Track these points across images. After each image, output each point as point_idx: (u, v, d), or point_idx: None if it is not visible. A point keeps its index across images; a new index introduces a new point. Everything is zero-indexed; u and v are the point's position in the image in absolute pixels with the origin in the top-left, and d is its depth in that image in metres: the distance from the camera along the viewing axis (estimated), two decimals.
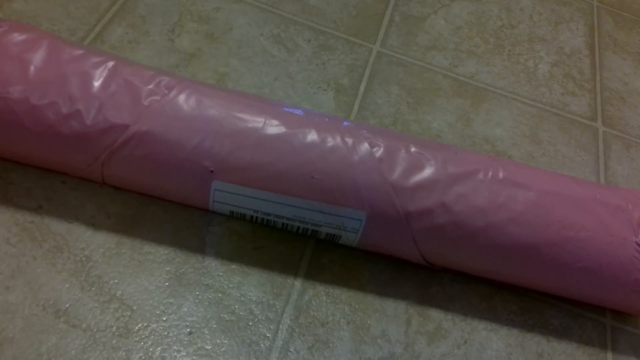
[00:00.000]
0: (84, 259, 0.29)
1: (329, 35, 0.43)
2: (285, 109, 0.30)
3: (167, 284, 0.29)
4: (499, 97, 0.44)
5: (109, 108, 0.27)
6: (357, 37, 0.44)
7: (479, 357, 0.31)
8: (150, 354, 0.27)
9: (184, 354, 0.27)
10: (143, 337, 0.27)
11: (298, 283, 0.31)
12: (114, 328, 0.27)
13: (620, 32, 0.53)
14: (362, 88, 0.41)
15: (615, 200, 0.31)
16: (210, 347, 0.28)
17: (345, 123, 0.31)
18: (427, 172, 0.29)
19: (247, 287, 0.30)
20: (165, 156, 0.28)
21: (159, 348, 0.27)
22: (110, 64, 0.29)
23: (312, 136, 0.29)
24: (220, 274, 0.30)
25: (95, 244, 0.29)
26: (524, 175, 0.31)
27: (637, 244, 0.30)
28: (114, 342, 0.27)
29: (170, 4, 0.41)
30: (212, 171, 0.28)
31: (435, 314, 0.32)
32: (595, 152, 0.43)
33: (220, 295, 0.29)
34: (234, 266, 0.31)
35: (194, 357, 0.27)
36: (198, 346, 0.28)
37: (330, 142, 0.29)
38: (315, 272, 0.31)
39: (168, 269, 0.30)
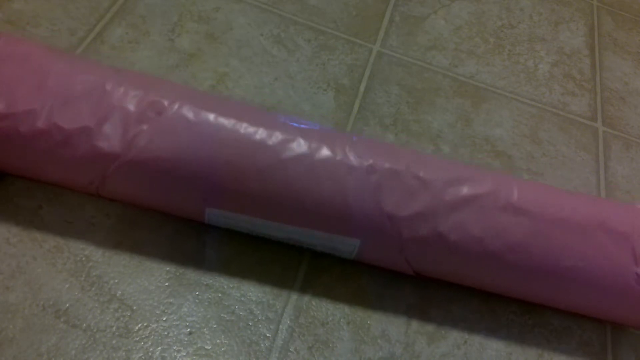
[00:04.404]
0: (84, 259, 0.29)
1: (329, 35, 0.43)
2: (280, 135, 0.28)
3: (167, 284, 0.29)
4: (499, 97, 0.44)
5: (99, 138, 0.27)
6: (357, 37, 0.44)
7: (479, 357, 0.31)
8: (150, 354, 0.27)
9: (184, 354, 0.27)
10: (143, 337, 0.27)
11: (298, 283, 0.31)
12: (114, 328, 0.27)
13: (620, 32, 0.53)
14: (362, 88, 0.41)
15: (623, 227, 0.30)
16: (210, 347, 0.28)
17: (343, 143, 0.29)
18: (425, 200, 0.28)
19: (247, 287, 0.30)
20: (158, 183, 0.28)
21: (159, 348, 0.27)
22: (99, 88, 0.28)
23: (306, 165, 0.28)
24: (220, 274, 0.30)
25: (95, 244, 0.29)
26: (528, 200, 0.30)
27: (638, 274, 0.30)
28: (114, 342, 0.27)
29: (170, 4, 0.41)
30: (205, 199, 0.28)
31: (435, 314, 0.32)
32: (595, 152, 0.43)
33: (220, 295, 0.29)
34: (234, 266, 0.31)
35: (194, 357, 0.27)
36: (198, 346, 0.28)
37: (325, 170, 0.28)
38: (315, 272, 0.31)
39: (168, 269, 0.30)
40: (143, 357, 0.27)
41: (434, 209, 0.28)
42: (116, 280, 0.29)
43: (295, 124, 0.29)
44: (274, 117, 0.30)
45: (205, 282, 0.30)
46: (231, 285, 0.30)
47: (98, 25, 0.38)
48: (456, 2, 0.50)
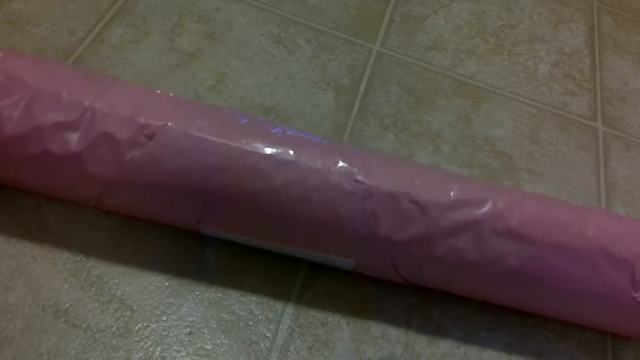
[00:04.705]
0: (84, 259, 0.29)
1: (329, 35, 0.43)
2: (274, 157, 0.28)
3: (167, 283, 0.29)
4: (499, 97, 0.44)
5: (90, 164, 0.27)
6: (357, 37, 0.44)
7: (479, 357, 0.31)
8: (150, 354, 0.27)
9: (184, 354, 0.27)
10: (143, 337, 0.27)
11: (298, 283, 0.31)
12: (114, 328, 0.27)
13: (620, 32, 0.53)
14: (362, 88, 0.41)
15: (625, 253, 0.29)
16: (210, 347, 0.28)
17: (340, 162, 0.28)
18: (421, 226, 0.28)
19: (247, 287, 0.30)
20: (151, 205, 0.28)
21: (159, 348, 0.27)
22: (89, 111, 0.27)
23: (300, 191, 0.27)
24: (220, 274, 0.30)
25: (95, 244, 0.29)
26: (529, 224, 0.29)
27: (636, 300, 0.29)
28: (114, 342, 0.27)
29: (170, 4, 0.41)
30: (199, 221, 0.28)
31: (435, 314, 0.32)
32: (595, 152, 0.43)
33: (220, 295, 0.29)
34: (234, 266, 0.31)
35: (194, 357, 0.27)
36: (198, 346, 0.28)
37: (319, 196, 0.27)
38: (315, 272, 0.31)
39: (168, 268, 0.30)
40: (143, 357, 0.27)
41: (430, 235, 0.28)
42: (116, 280, 0.29)
43: (291, 133, 0.29)
44: (269, 132, 0.29)
45: (205, 282, 0.30)
46: (231, 285, 0.30)
47: (98, 25, 0.38)
48: (456, 2, 0.50)
